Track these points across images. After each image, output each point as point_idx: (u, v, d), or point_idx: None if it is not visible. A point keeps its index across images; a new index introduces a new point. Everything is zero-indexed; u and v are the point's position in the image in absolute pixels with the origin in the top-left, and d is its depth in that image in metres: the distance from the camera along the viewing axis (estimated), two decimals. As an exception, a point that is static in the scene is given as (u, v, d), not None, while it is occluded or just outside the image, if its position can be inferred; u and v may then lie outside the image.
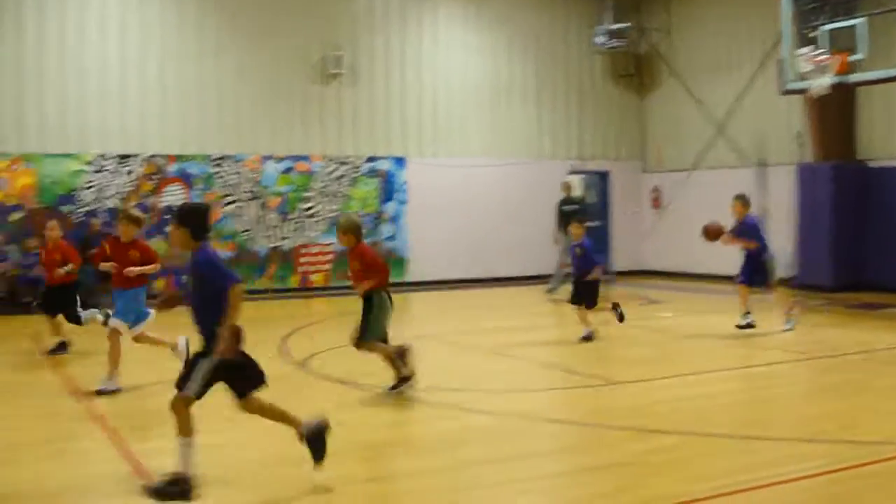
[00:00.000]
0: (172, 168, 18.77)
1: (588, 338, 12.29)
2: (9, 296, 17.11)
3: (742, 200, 13.14)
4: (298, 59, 19.86)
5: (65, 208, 17.79)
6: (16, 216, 17.55)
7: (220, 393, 5.94)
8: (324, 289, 19.84)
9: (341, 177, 20.28)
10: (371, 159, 20.58)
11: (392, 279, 9.41)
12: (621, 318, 12.83)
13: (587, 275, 12.41)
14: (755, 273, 12.92)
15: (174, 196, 18.71)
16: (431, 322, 14.16)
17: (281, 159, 19.70)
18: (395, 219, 20.75)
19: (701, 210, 21.81)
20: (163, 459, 6.70)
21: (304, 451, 6.13)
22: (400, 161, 20.86)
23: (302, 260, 19.82)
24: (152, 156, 18.59)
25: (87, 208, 17.99)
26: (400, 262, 20.49)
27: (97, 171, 18.14)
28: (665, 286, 20.52)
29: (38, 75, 17.74)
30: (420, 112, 21.20)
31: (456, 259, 21.27)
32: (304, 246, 19.84)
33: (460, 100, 21.69)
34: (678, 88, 22.90)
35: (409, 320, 15.71)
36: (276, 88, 19.64)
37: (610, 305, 12.98)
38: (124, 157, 18.35)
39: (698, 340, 12.74)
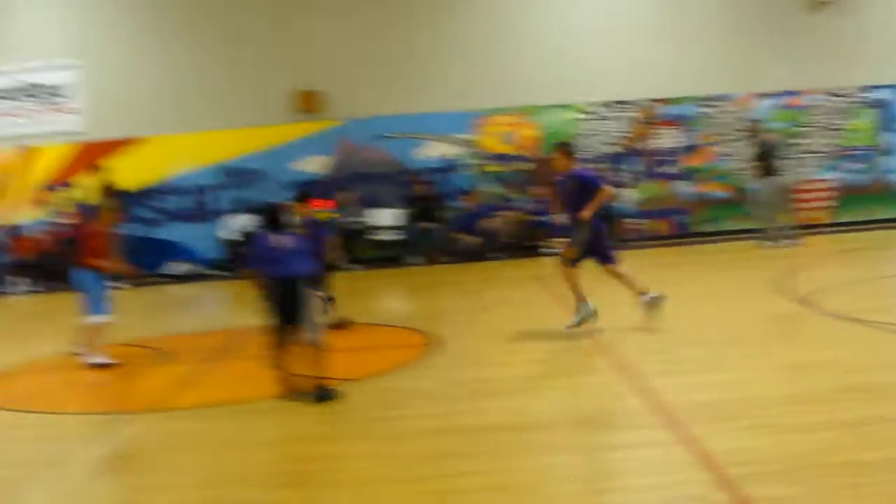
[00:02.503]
0: (664, 111, 18.97)
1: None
2: (518, 240, 18.21)
3: (564, 149, 9.67)
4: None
5: (565, 156, 18.67)
6: (521, 166, 18.67)
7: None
8: (825, 225, 18.96)
9: (835, 110, 19.33)
10: (866, 89, 19.44)
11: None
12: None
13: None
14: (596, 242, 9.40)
15: (668, 139, 18.95)
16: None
17: (772, 95, 19.18)
18: (893, 151, 19.42)
19: None
20: (673, 394, 6.73)
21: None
22: (898, 88, 19.47)
23: (801, 196, 19.19)
24: (643, 101, 18.93)
25: (584, 154, 18.70)
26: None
27: (592, 119, 18.80)
28: None
29: (535, 37, 18.94)
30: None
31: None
32: (803, 182, 19.18)
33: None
34: None
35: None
36: (761, 23, 19.10)
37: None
38: (617, 104, 18.85)
39: None
